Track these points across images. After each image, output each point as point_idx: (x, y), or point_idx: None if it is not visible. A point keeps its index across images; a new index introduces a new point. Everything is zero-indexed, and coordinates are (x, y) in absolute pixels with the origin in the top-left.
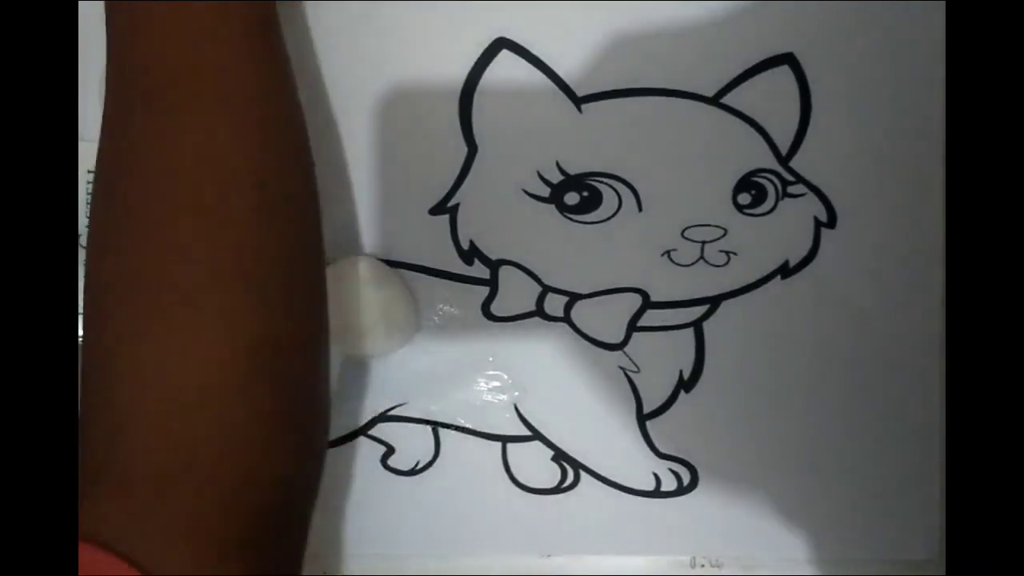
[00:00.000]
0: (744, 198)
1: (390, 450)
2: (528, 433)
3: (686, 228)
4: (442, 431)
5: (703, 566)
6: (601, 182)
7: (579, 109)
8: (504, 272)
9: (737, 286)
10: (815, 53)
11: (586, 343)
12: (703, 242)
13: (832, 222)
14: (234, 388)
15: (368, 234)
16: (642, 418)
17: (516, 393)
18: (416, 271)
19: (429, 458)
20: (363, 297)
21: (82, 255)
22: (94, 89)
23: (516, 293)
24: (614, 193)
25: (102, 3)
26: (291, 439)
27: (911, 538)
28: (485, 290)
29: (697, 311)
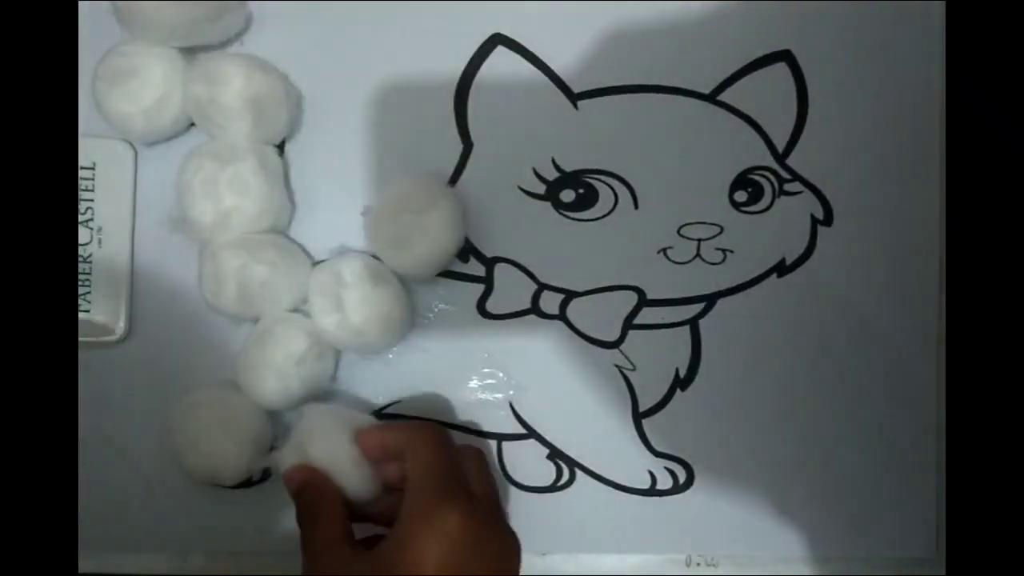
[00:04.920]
0: (741, 196)
1: None
2: (523, 431)
3: (682, 226)
4: None
5: (699, 564)
6: (597, 179)
7: (575, 106)
8: (500, 269)
9: (733, 284)
10: (812, 51)
11: (582, 341)
12: (699, 240)
13: (829, 220)
14: None
15: (363, 232)
16: (638, 416)
17: (511, 391)
18: None
19: None
20: (358, 295)
21: (82, 252)
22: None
23: (512, 290)
24: (610, 190)
25: (102, 2)
26: None
27: (909, 536)
28: (480, 287)
29: (693, 309)
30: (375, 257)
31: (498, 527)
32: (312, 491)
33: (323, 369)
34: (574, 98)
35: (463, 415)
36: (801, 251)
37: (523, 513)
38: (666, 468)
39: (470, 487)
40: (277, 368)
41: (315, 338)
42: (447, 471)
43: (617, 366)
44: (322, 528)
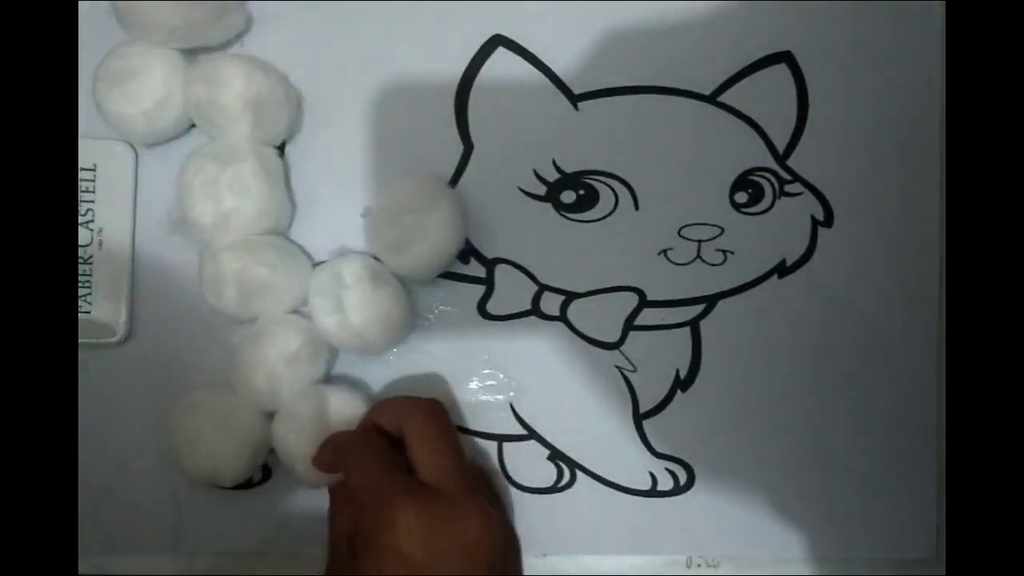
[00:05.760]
0: (741, 197)
1: None
2: (524, 432)
3: (683, 227)
4: None
5: (699, 565)
6: (598, 180)
7: (575, 107)
8: (500, 271)
9: (734, 285)
10: (813, 51)
11: (582, 342)
12: (700, 241)
13: (829, 221)
14: None
15: (363, 233)
16: (638, 417)
17: (512, 392)
18: None
19: None
20: (358, 296)
21: (83, 253)
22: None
23: (512, 292)
24: (611, 191)
25: (102, 3)
26: None
27: (909, 536)
28: (481, 288)
29: (694, 310)
30: (375, 258)
31: (459, 512)
32: (331, 490)
33: (314, 370)
34: (574, 99)
35: (463, 416)
36: (802, 252)
37: (524, 514)
38: (667, 469)
39: (420, 478)
40: (267, 367)
41: (309, 338)
42: (380, 481)
43: (617, 367)
44: (333, 525)
